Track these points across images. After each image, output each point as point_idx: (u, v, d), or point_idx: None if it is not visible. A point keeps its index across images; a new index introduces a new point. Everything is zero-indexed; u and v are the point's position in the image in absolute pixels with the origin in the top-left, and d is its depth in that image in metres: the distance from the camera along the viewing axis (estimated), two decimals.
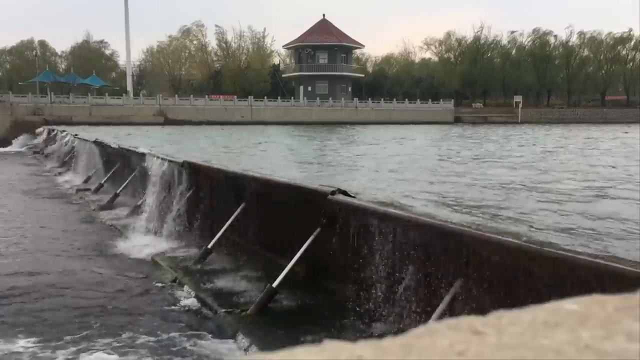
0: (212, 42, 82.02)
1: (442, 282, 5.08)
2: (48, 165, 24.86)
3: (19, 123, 42.76)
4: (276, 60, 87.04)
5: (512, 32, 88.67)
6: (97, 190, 15.87)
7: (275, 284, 6.54)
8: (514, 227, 6.41)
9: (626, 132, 37.44)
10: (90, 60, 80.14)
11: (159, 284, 7.78)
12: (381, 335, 0.69)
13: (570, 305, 0.75)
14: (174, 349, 5.66)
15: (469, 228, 4.97)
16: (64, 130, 27.30)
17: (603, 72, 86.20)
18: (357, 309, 5.87)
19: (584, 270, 3.83)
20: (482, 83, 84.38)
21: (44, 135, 33.22)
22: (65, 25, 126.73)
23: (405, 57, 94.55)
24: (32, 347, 5.62)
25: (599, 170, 13.97)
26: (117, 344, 5.68)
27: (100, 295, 7.24)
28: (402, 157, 18.42)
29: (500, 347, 0.63)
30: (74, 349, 5.58)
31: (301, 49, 75.47)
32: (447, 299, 4.87)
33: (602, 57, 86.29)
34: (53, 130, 31.32)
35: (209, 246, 8.45)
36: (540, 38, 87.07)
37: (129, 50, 69.30)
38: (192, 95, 62.13)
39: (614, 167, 14.49)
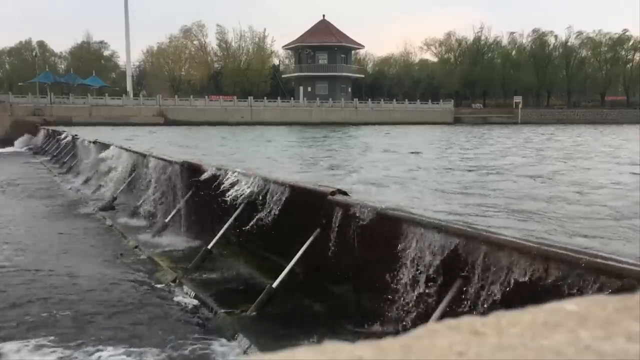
0: (213, 43, 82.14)
1: (445, 283, 5.08)
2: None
3: (19, 123, 42.79)
4: (276, 60, 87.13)
5: (512, 32, 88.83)
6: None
7: (275, 285, 6.54)
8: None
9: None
10: (90, 60, 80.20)
11: (159, 284, 7.78)
12: (381, 336, 0.69)
13: (570, 305, 0.75)
14: (174, 349, 5.65)
15: (477, 230, 4.97)
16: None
17: (603, 72, 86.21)
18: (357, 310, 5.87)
19: (584, 270, 3.83)
20: (482, 83, 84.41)
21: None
22: (65, 25, 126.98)
23: (405, 57, 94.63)
24: (29, 346, 5.62)
25: None
26: (116, 344, 5.68)
27: (100, 295, 7.24)
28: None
29: (500, 348, 0.63)
30: (71, 349, 5.58)
31: (301, 50, 75.51)
32: (447, 299, 4.87)
33: (601, 57, 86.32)
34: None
35: (209, 247, 8.45)
36: (540, 38, 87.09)
37: (129, 50, 69.43)
38: (192, 96, 62.15)
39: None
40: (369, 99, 71.40)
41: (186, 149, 23.57)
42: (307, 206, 6.95)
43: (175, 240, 10.02)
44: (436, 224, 5.20)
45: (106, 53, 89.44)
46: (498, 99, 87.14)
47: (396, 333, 0.70)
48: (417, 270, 5.25)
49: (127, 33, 68.19)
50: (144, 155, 12.90)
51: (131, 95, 63.63)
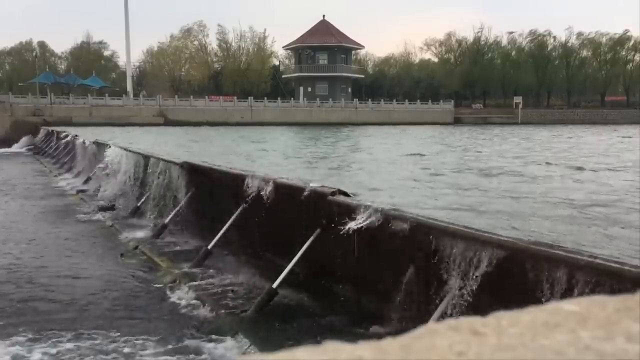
0: (213, 43, 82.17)
1: (442, 283, 5.07)
2: None
3: (19, 124, 42.80)
4: (276, 61, 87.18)
5: (511, 32, 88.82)
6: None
7: (275, 285, 6.53)
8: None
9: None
10: (90, 61, 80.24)
11: (159, 284, 7.78)
12: (381, 336, 0.69)
13: (570, 306, 0.75)
14: (173, 349, 5.65)
15: (472, 229, 4.97)
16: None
17: (603, 72, 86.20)
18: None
19: (584, 270, 3.83)
20: (482, 84, 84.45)
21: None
22: (65, 26, 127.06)
23: (405, 57, 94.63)
24: (28, 346, 5.61)
25: None
26: (116, 344, 5.68)
27: (99, 295, 7.24)
28: None
29: (500, 348, 0.63)
30: (70, 348, 5.58)
31: (301, 50, 75.53)
32: (446, 300, 4.87)
33: (601, 58, 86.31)
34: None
35: (209, 247, 8.45)
36: (538, 39, 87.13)
37: (129, 51, 69.49)
38: (192, 96, 62.19)
39: None
40: (369, 99, 71.41)
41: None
42: (308, 206, 6.95)
43: None
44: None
45: (106, 53, 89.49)
46: (498, 99, 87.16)
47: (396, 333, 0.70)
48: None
49: (127, 33, 68.25)
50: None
51: (131, 96, 63.63)
